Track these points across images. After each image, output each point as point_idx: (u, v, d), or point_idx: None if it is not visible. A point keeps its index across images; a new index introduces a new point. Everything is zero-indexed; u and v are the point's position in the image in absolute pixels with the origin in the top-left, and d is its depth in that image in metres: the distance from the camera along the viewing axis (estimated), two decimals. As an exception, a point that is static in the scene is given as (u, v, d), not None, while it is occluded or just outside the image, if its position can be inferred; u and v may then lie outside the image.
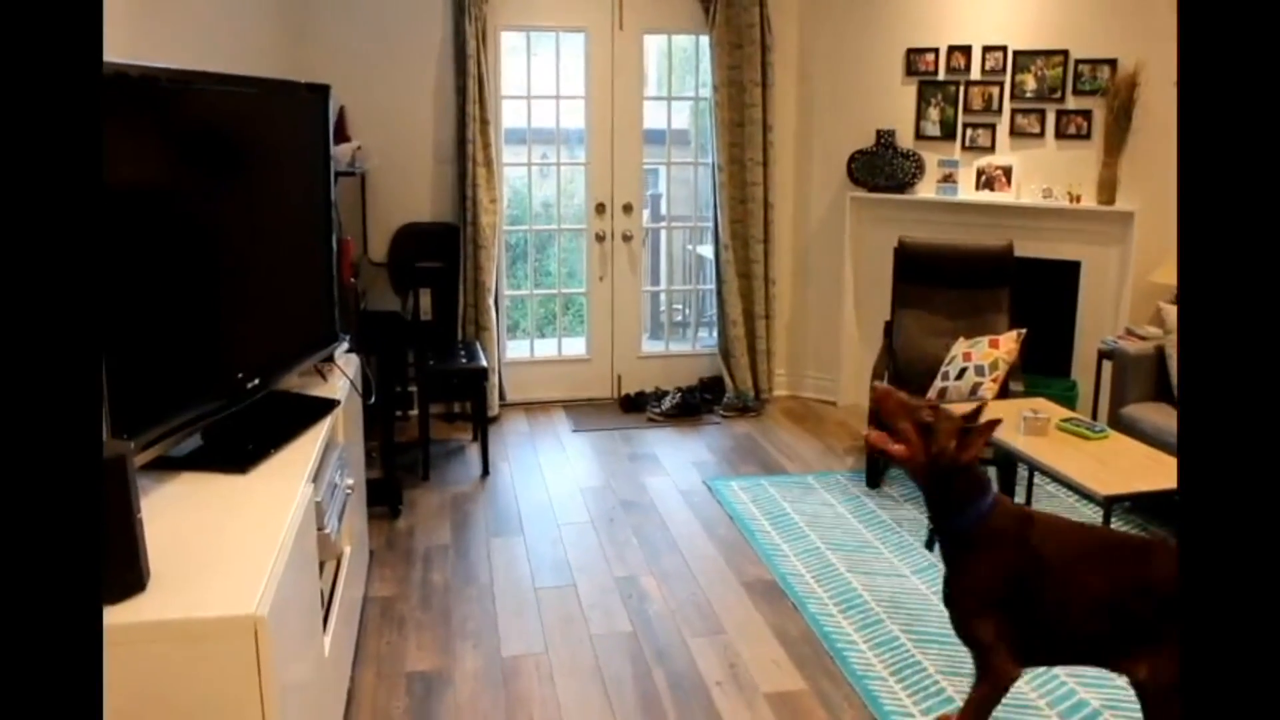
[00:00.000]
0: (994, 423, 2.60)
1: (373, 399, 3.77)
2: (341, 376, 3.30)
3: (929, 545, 2.72)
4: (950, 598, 2.71)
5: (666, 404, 6.03)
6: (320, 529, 2.50)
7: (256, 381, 2.68)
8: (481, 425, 5.14)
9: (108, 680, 1.71)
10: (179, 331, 2.33)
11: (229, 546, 2.00)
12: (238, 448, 2.50)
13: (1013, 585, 2.59)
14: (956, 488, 2.63)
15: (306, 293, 3.14)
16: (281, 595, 1.88)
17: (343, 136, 5.35)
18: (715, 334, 6.35)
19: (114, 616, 1.71)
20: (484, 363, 5.13)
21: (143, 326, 2.15)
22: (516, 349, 6.33)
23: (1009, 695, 3.03)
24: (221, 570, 1.89)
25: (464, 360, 5.15)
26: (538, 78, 5.98)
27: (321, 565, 2.67)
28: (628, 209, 6.16)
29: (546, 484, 4.94)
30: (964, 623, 2.66)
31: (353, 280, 4.12)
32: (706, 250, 6.52)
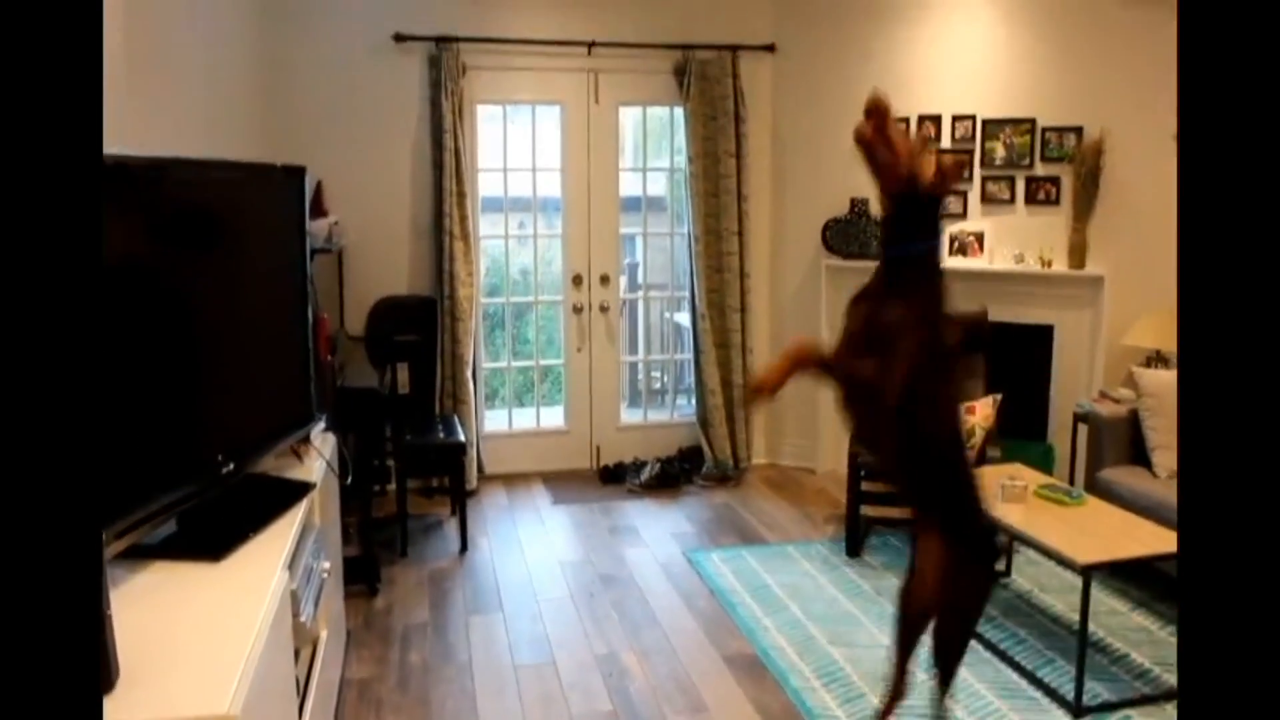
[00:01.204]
0: (961, 165, 2.66)
1: (349, 480, 3.74)
2: (318, 457, 3.28)
3: None
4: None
5: (645, 475, 6.01)
6: (296, 616, 2.47)
7: (232, 466, 2.66)
8: (460, 500, 5.11)
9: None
10: (153, 416, 2.32)
11: (202, 640, 1.97)
12: (212, 535, 2.47)
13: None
14: (926, 216, 2.71)
15: (283, 373, 3.13)
16: (256, 690, 1.85)
17: (320, 211, 5.37)
18: (693, 402, 6.36)
19: (83, 718, 1.68)
20: (462, 437, 5.11)
21: (116, 412, 2.13)
22: (495, 420, 6.31)
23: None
24: (194, 666, 1.86)
25: (442, 435, 5.13)
26: (514, 147, 6.04)
27: (297, 652, 2.63)
28: (605, 280, 6.19)
29: (526, 558, 4.90)
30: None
31: (329, 357, 4.11)
32: (684, 318, 6.55)
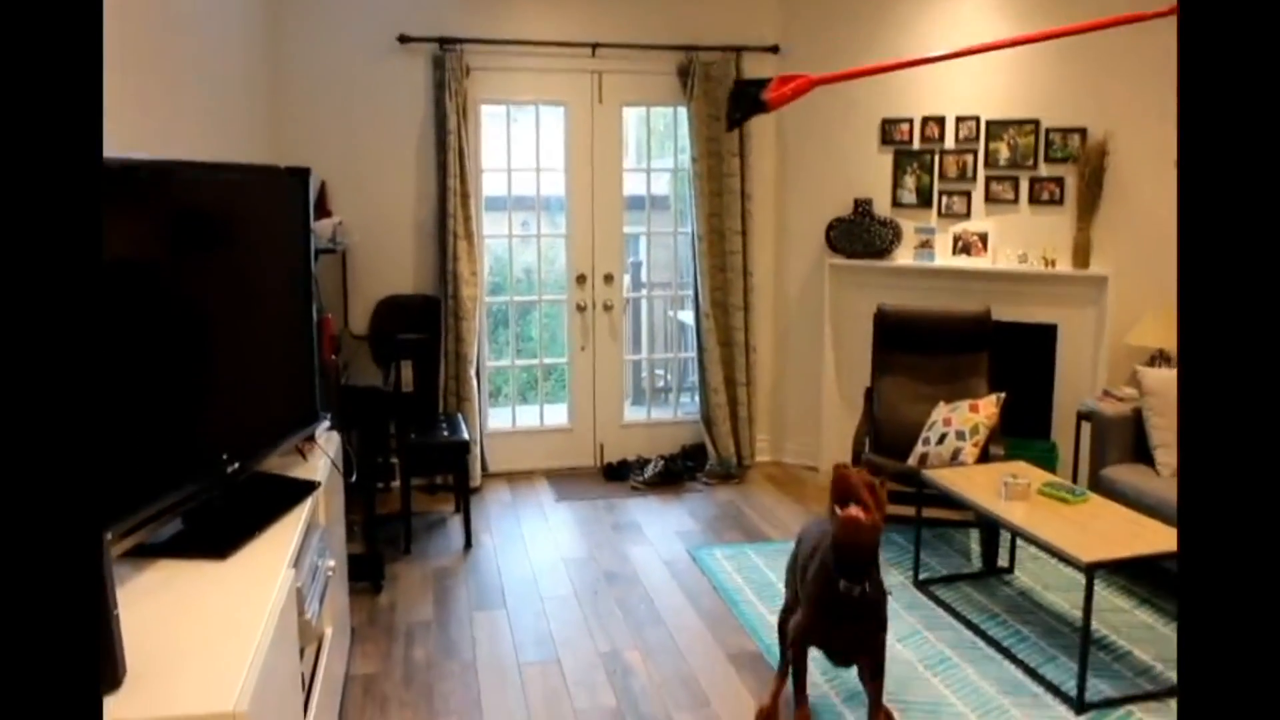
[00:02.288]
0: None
1: (353, 478, 3.76)
2: (322, 455, 3.30)
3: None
4: (870, 634, 3.10)
5: (649, 472, 6.03)
6: (301, 614, 2.48)
7: (237, 465, 2.68)
8: (464, 498, 5.13)
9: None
10: (160, 416, 2.34)
11: (208, 638, 1.98)
12: (217, 533, 2.49)
13: None
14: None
15: (288, 373, 3.14)
16: (262, 687, 1.86)
17: (324, 211, 5.40)
18: (697, 400, 6.37)
19: (90, 714, 1.69)
20: (465, 436, 5.12)
21: (123, 412, 2.15)
22: (498, 418, 6.33)
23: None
24: (200, 663, 1.88)
25: (446, 433, 5.15)
26: (518, 146, 6.05)
27: (302, 650, 2.65)
28: (609, 279, 6.20)
29: (529, 556, 4.92)
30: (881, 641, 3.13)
31: (334, 357, 4.13)
32: (687, 316, 6.56)
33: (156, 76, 3.24)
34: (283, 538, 2.55)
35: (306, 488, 2.89)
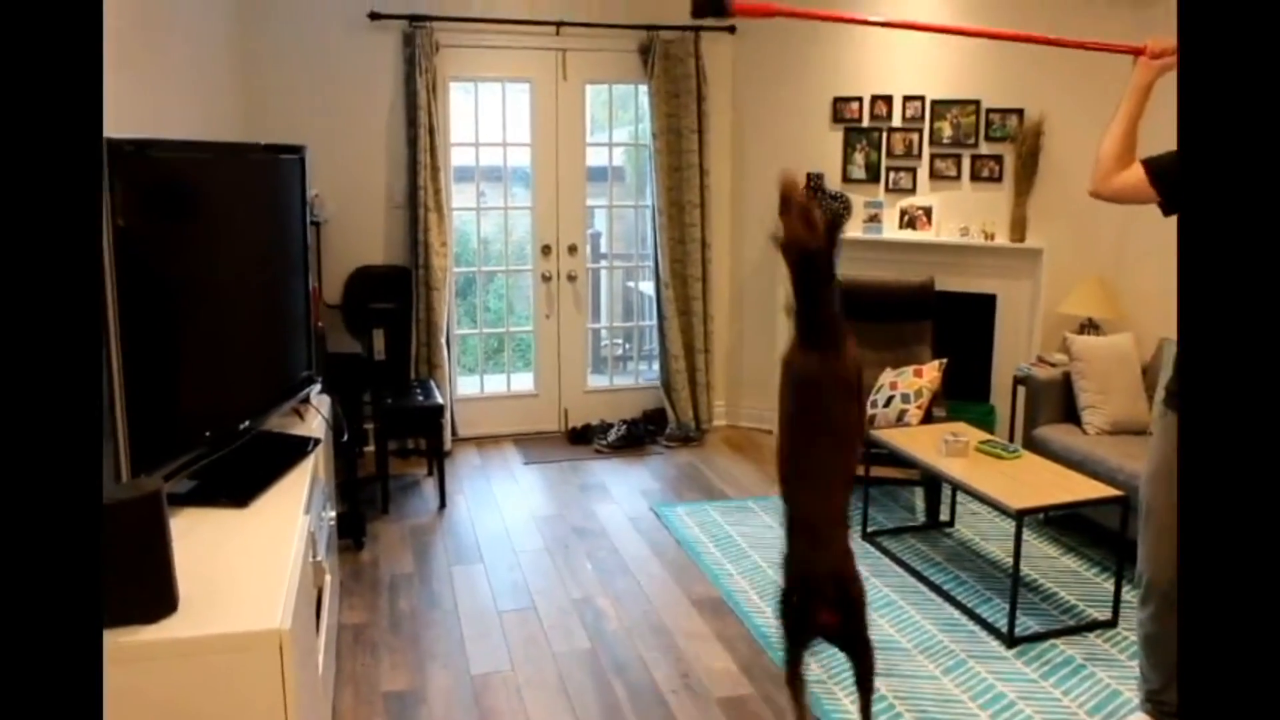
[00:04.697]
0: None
1: (344, 437, 4.00)
2: (317, 416, 3.54)
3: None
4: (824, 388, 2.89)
5: (612, 436, 6.31)
6: (314, 557, 2.74)
7: (248, 423, 2.93)
8: (438, 460, 5.38)
9: (149, 694, 1.94)
10: (190, 378, 2.58)
11: (244, 571, 2.24)
12: (235, 484, 2.74)
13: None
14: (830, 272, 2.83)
15: (289, 338, 3.39)
16: (296, 613, 2.13)
17: (299, 185, 5.58)
18: (656, 367, 6.66)
19: (152, 634, 1.95)
20: (439, 400, 5.37)
21: (155, 378, 2.39)
22: (466, 384, 6.58)
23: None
24: (242, 591, 2.14)
25: (420, 398, 5.39)
26: (485, 121, 6.26)
27: (310, 591, 2.90)
28: (573, 250, 6.45)
29: (502, 514, 5.19)
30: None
31: (320, 324, 4.36)
32: (647, 287, 6.84)
33: (139, 54, 3.42)
34: (294, 488, 2.81)
35: (309, 444, 3.14)
